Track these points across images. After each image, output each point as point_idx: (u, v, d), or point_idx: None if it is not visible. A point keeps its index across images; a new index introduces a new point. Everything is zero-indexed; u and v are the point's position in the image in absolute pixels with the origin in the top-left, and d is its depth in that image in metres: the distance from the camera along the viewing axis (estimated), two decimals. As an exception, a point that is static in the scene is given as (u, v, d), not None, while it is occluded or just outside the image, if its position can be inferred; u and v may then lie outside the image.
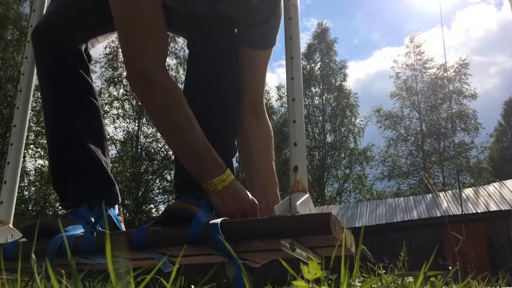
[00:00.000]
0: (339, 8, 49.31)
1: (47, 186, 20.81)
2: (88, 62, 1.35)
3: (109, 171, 1.30)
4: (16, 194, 1.35)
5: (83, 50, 1.34)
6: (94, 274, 1.38)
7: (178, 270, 0.71)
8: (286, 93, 1.18)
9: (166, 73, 1.13)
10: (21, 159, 1.38)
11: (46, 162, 21.24)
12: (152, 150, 23.17)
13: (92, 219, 1.12)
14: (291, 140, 1.04)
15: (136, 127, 23.13)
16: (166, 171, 22.79)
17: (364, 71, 44.36)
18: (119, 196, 1.28)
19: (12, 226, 1.28)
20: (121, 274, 0.39)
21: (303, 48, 26.50)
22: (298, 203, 0.90)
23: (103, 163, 1.28)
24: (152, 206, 23.23)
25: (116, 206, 1.27)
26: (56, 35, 1.29)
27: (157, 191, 23.39)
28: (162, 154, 22.98)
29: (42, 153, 20.60)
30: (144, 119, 23.23)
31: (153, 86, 1.09)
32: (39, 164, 21.26)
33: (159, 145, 23.18)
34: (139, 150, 23.03)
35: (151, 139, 23.38)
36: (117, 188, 1.29)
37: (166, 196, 22.99)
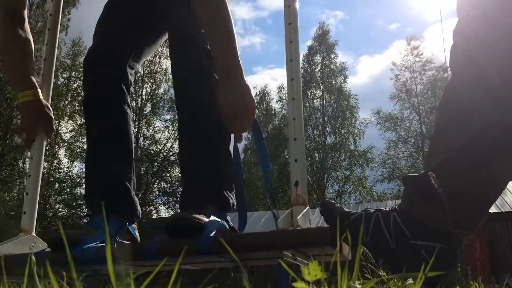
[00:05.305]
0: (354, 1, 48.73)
1: (47, 188, 20.86)
2: (127, 90, 1.48)
3: (131, 187, 1.40)
4: (37, 205, 1.44)
5: (123, 78, 1.47)
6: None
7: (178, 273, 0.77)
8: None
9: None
10: (41, 172, 1.47)
11: (46, 164, 21.29)
12: (152, 152, 23.20)
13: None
14: (292, 157, 1.12)
15: (136, 129, 23.15)
16: (166, 173, 22.83)
17: (379, 66, 43.44)
18: (138, 210, 1.37)
19: (34, 235, 1.37)
20: (122, 276, 0.43)
21: (304, 49, 26.58)
22: (299, 217, 0.99)
23: (126, 179, 1.39)
24: (152, 208, 23.26)
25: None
26: (100, 67, 1.44)
27: (157, 193, 23.45)
28: (162, 156, 23.03)
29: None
30: (143, 121, 23.28)
31: None
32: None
33: (159, 147, 23.25)
34: (139, 152, 23.04)
35: (151, 141, 23.44)
36: (136, 202, 1.38)
37: (166, 197, 23.04)
